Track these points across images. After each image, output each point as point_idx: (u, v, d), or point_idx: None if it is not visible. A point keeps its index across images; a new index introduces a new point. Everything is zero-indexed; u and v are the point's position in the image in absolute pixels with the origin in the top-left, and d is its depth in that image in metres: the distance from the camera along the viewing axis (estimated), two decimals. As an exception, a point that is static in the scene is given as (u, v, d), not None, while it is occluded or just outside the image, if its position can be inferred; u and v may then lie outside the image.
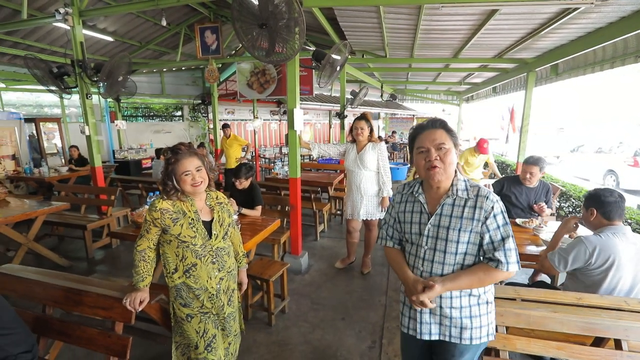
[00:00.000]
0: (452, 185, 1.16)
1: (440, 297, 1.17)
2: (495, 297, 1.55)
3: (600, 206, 1.78)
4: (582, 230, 2.16)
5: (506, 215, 1.13)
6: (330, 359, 2.22)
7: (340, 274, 3.44)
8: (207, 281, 1.57)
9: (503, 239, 1.10)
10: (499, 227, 1.11)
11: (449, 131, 1.16)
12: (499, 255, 1.10)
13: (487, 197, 1.12)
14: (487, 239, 1.11)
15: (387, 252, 1.35)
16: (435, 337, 1.21)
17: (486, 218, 1.11)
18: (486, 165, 5.50)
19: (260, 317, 2.66)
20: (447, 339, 1.20)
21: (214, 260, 1.59)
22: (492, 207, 1.11)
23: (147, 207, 2.77)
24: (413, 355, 1.35)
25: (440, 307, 1.18)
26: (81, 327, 1.52)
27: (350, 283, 3.25)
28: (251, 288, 2.60)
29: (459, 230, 1.12)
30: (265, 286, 2.52)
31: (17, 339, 1.36)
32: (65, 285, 1.60)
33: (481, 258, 1.16)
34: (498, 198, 1.14)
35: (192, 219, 1.53)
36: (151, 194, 3.00)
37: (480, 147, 4.78)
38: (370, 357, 2.24)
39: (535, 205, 2.89)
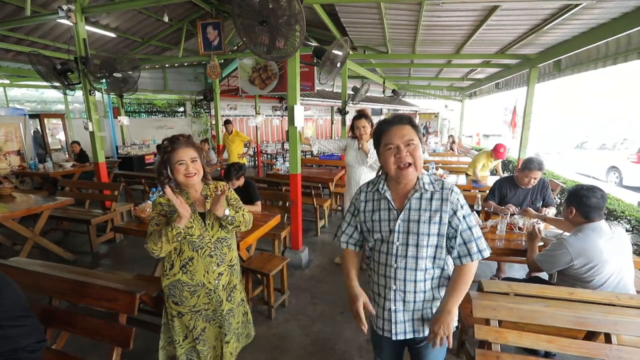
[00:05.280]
0: (418, 179, 1.18)
1: (414, 291, 1.19)
2: (489, 292, 1.60)
3: (580, 205, 1.81)
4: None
5: (467, 205, 1.19)
6: (328, 352, 2.28)
7: (340, 269, 3.46)
8: (203, 276, 1.57)
9: (471, 228, 1.15)
10: (465, 217, 1.15)
11: (415, 127, 1.18)
12: (471, 246, 1.14)
13: (452, 190, 1.17)
14: (459, 228, 1.15)
15: (346, 254, 1.38)
16: (409, 336, 1.23)
17: (454, 210, 1.15)
18: None
19: (260, 310, 2.72)
20: (420, 335, 1.23)
21: (212, 253, 1.60)
22: (458, 199, 1.15)
23: (149, 202, 2.83)
24: (388, 350, 1.36)
25: (414, 301, 1.20)
26: (86, 318, 1.58)
27: (349, 278, 3.29)
28: (252, 282, 2.65)
29: (429, 222, 1.15)
30: (266, 280, 2.57)
31: (28, 331, 1.41)
32: (71, 278, 1.65)
33: (452, 260, 1.20)
34: (460, 190, 1.19)
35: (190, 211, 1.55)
36: (154, 189, 3.06)
37: (496, 152, 4.65)
38: (368, 349, 2.28)
39: (540, 212, 2.84)
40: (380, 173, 1.32)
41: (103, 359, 1.59)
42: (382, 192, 1.22)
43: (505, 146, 4.66)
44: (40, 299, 1.81)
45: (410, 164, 1.14)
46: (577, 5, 3.11)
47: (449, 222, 1.15)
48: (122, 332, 1.51)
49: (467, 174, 5.04)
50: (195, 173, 1.54)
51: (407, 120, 1.19)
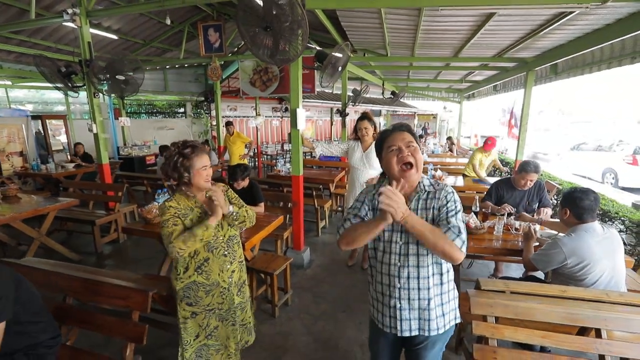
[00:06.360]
0: (419, 182, 1.28)
1: (419, 288, 1.25)
2: (486, 290, 1.67)
3: (574, 207, 1.90)
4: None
5: (458, 204, 1.25)
6: (331, 349, 2.34)
7: (341, 269, 3.55)
8: (218, 275, 1.63)
9: (447, 218, 1.20)
10: (448, 210, 1.22)
11: (412, 134, 1.29)
12: (447, 229, 1.18)
13: (444, 189, 1.27)
14: (441, 218, 1.22)
15: (352, 227, 1.29)
16: (415, 333, 1.29)
17: (440, 205, 1.24)
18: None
19: (264, 309, 2.79)
20: (426, 333, 1.28)
21: (226, 252, 1.67)
22: (446, 197, 1.24)
23: (155, 203, 2.88)
24: (385, 352, 1.43)
25: (419, 299, 1.25)
26: (101, 315, 1.64)
27: (350, 278, 3.37)
28: (256, 281, 2.72)
29: (426, 219, 1.23)
30: (270, 279, 2.64)
31: (44, 327, 1.47)
32: (86, 277, 1.71)
33: None
34: (453, 190, 1.28)
35: (201, 212, 1.62)
36: (159, 190, 3.11)
37: (485, 144, 4.94)
38: (369, 346, 2.35)
39: (536, 212, 2.91)
40: (381, 180, 1.39)
41: (114, 355, 1.66)
42: None
43: (494, 138, 4.95)
44: (52, 297, 1.87)
45: (412, 165, 1.22)
46: (571, 12, 3.20)
47: (439, 213, 1.23)
48: (135, 328, 1.57)
49: (464, 175, 5.12)
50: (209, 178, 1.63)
51: (405, 127, 1.31)
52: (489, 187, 4.64)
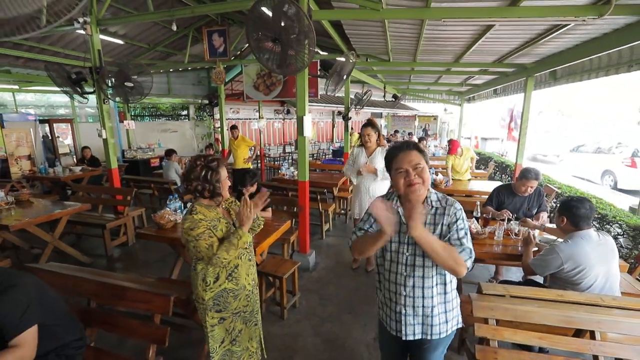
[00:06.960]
0: (426, 197, 1.35)
1: (423, 296, 1.33)
2: (487, 294, 1.77)
3: (570, 215, 2.01)
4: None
5: (466, 222, 1.33)
6: (339, 349, 2.45)
7: (346, 272, 3.65)
8: (245, 279, 1.73)
9: (460, 238, 1.29)
10: (458, 229, 1.30)
11: (421, 151, 1.34)
12: (461, 251, 1.27)
13: (453, 205, 1.33)
14: (452, 236, 1.30)
15: (358, 239, 1.38)
16: (418, 337, 1.38)
17: (449, 222, 1.31)
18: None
19: (273, 311, 2.89)
20: (428, 337, 1.37)
21: (250, 257, 1.77)
22: (455, 213, 1.32)
23: (167, 209, 2.98)
24: (393, 353, 1.53)
25: (423, 306, 1.34)
26: (124, 318, 1.74)
27: (355, 280, 3.46)
28: (264, 284, 2.82)
29: (433, 234, 1.30)
30: (279, 283, 2.73)
31: (66, 329, 1.57)
32: (109, 282, 1.81)
33: None
34: (461, 206, 1.34)
35: (227, 222, 1.70)
36: (170, 197, 3.21)
37: (449, 150, 5.35)
38: (375, 347, 2.45)
39: (534, 217, 3.01)
40: (392, 190, 1.48)
41: (130, 355, 1.74)
42: (395, 207, 1.38)
43: (455, 141, 5.42)
44: (67, 299, 1.96)
45: (417, 182, 1.29)
46: (565, 26, 3.30)
47: (448, 229, 1.30)
48: (157, 331, 1.67)
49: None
50: None
51: (413, 146, 1.36)
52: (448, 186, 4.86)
